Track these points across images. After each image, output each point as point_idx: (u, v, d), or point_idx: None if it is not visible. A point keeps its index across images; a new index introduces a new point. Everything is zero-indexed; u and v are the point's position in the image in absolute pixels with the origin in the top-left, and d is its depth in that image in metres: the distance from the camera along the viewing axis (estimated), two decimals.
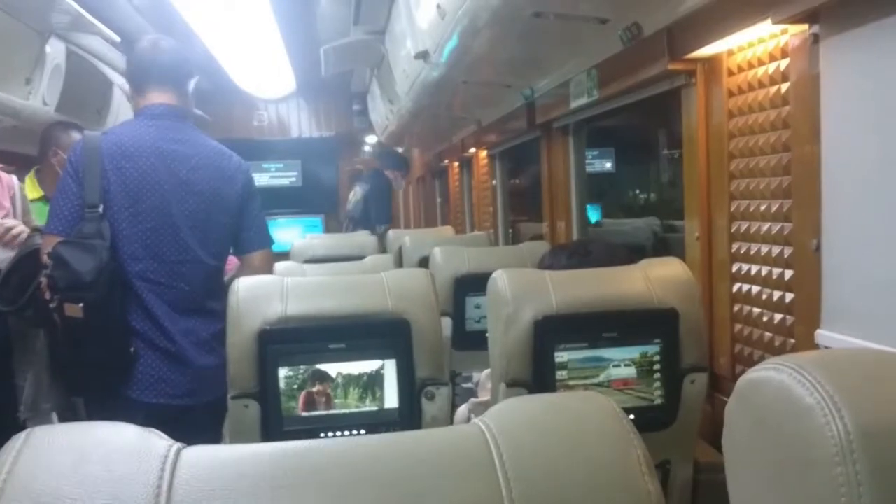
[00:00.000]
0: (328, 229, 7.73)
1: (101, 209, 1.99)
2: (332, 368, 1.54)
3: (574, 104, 2.66)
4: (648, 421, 1.59)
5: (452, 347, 2.70)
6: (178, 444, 0.61)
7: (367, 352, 1.55)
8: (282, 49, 5.28)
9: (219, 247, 2.14)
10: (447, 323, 2.69)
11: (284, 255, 7.11)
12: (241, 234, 2.18)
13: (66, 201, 2.03)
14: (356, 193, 5.69)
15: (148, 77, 2.19)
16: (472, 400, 1.84)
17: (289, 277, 1.61)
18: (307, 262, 3.93)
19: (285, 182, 7.82)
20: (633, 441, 0.62)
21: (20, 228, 2.03)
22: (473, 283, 2.67)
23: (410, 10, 2.98)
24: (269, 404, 1.52)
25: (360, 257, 4.69)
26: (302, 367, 1.53)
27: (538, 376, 1.55)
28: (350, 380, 1.54)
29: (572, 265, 1.73)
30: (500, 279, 1.62)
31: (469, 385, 2.77)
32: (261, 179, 7.76)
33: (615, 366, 1.58)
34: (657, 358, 1.58)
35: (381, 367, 1.55)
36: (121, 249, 2.00)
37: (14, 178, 2.30)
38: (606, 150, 5.62)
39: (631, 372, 1.58)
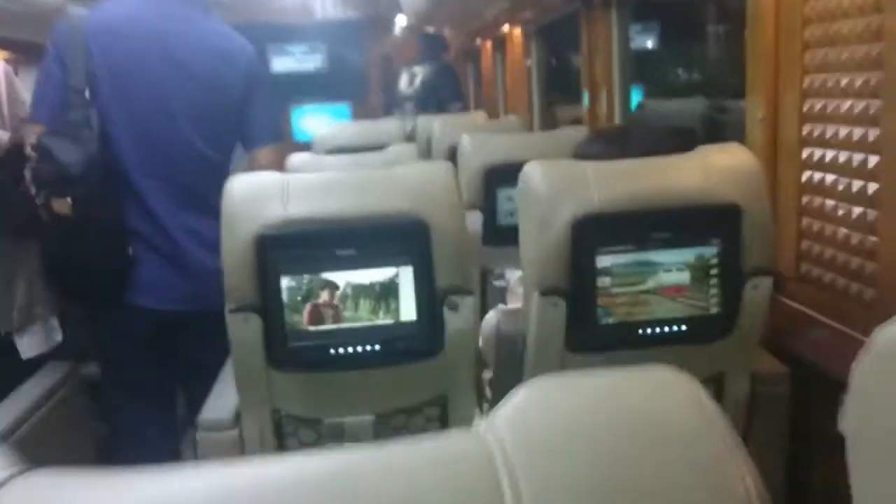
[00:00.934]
0: (356, 117, 7.44)
1: (87, 94, 1.79)
2: (340, 277, 1.35)
3: None
4: (703, 332, 1.40)
5: (483, 243, 2.50)
6: (17, 468, 0.41)
7: (379, 258, 1.36)
8: None
9: (221, 138, 1.93)
10: (477, 217, 2.48)
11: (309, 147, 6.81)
12: (245, 127, 1.96)
13: (49, 87, 1.83)
14: (415, 74, 5.29)
15: None
16: (501, 307, 1.65)
17: (292, 175, 1.41)
18: (328, 152, 3.77)
19: (310, 67, 7.49)
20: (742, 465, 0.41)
21: None
22: (506, 174, 2.43)
23: None
24: (272, 318, 1.35)
25: (386, 146, 4.48)
26: (306, 276, 1.35)
27: (576, 284, 1.36)
28: (361, 290, 1.36)
29: (610, 154, 1.50)
30: (533, 173, 1.40)
31: (501, 283, 2.58)
32: (285, 63, 7.45)
33: (666, 270, 1.37)
34: (715, 261, 1.37)
35: (396, 276, 1.36)
36: (112, 139, 1.81)
37: (1, 62, 2.07)
38: (649, 24, 5.20)
39: (684, 277, 1.37)
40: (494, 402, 1.57)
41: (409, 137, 4.78)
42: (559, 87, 4.74)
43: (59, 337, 1.99)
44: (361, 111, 7.49)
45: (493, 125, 3.67)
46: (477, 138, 2.47)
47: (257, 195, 1.36)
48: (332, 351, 1.36)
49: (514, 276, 1.66)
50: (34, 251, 1.87)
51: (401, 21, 7.48)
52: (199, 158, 1.87)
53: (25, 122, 1.85)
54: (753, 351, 1.49)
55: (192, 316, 1.89)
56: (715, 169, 1.40)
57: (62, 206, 1.72)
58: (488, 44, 5.43)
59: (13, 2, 3.39)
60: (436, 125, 3.60)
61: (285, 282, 1.34)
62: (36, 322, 1.91)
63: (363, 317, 1.35)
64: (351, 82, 7.48)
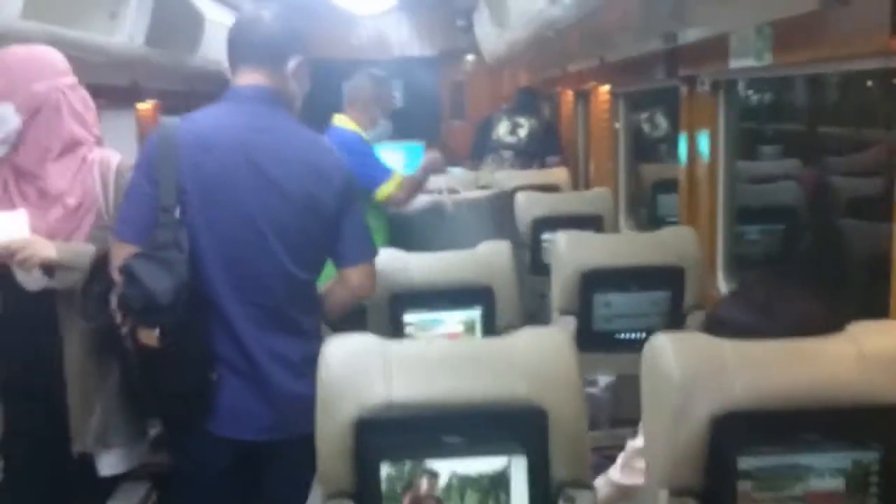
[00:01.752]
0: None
1: (177, 213, 1.70)
2: (445, 466, 1.22)
3: (735, 64, 2.17)
4: None
5: (576, 347, 2.35)
6: None
7: (489, 446, 1.22)
8: None
9: (311, 258, 1.82)
10: (570, 322, 2.33)
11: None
12: (337, 245, 1.84)
13: (138, 203, 1.74)
14: (520, 125, 5.19)
15: (240, 53, 1.85)
16: (612, 478, 1.49)
17: (395, 345, 1.28)
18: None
19: None
20: None
21: (27, 253, 1.67)
22: (605, 279, 2.29)
23: None
24: None
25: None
26: (408, 462, 1.22)
27: (713, 486, 1.20)
28: (467, 481, 1.22)
29: (750, 325, 1.33)
30: (663, 351, 1.24)
31: (594, 390, 2.44)
32: None
33: (818, 476, 1.20)
34: (876, 468, 1.19)
35: (507, 466, 1.22)
36: (199, 259, 1.71)
37: (113, 156, 1.89)
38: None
39: (839, 484, 1.20)
40: None
41: (482, 185, 4.70)
42: (641, 147, 4.57)
43: (137, 459, 1.90)
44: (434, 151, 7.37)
45: (579, 200, 3.53)
46: (574, 239, 2.32)
47: (357, 372, 1.23)
48: None
49: (631, 444, 1.49)
50: (113, 374, 1.79)
51: (470, 58, 7.37)
52: (287, 279, 1.76)
53: (112, 238, 1.75)
54: None
55: (275, 446, 1.78)
56: (873, 357, 1.22)
57: (150, 337, 1.63)
58: (569, 93, 5.27)
59: (94, 55, 3.40)
60: (520, 196, 3.48)
61: (385, 469, 1.21)
62: (112, 448, 1.83)
63: None
64: (425, 122, 7.38)
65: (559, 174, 4.40)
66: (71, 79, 1.91)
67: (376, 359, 1.25)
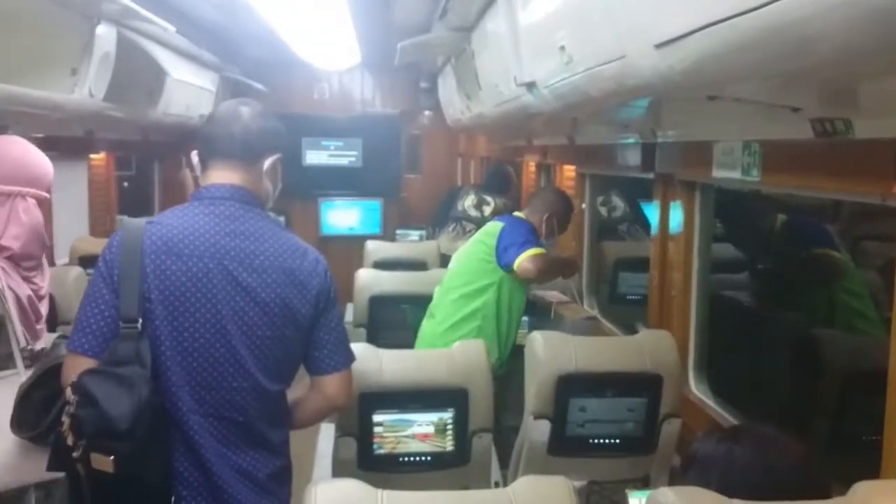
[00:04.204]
0: (386, 214, 7.27)
1: (139, 325, 1.58)
2: None
3: (718, 174, 2.16)
4: None
5: (548, 453, 2.28)
6: None
7: None
8: (348, 19, 4.78)
9: (284, 368, 1.72)
10: (544, 427, 2.27)
11: (338, 238, 6.94)
12: (313, 352, 1.74)
13: (96, 312, 1.61)
14: (486, 202, 5.17)
15: (212, 149, 1.75)
16: None
17: (386, 497, 1.19)
18: (375, 264, 4.32)
19: (344, 162, 7.34)
20: None
21: None
22: (581, 383, 2.24)
23: (516, 35, 2.49)
24: None
25: (422, 263, 4.45)
26: None
27: None
28: None
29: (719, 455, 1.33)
30: None
31: None
32: (319, 158, 7.29)
33: None
34: None
35: None
36: (162, 374, 1.59)
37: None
38: None
39: None
40: None
41: (443, 253, 4.71)
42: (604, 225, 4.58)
43: None
44: (392, 209, 7.32)
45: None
46: (550, 340, 2.26)
47: None
48: None
49: None
50: (60, 498, 1.64)
51: (428, 114, 7.38)
52: (258, 392, 1.65)
53: (66, 348, 1.63)
54: None
55: None
56: None
57: (103, 463, 1.50)
58: (531, 164, 5.28)
59: (53, 112, 3.28)
60: None
61: None
62: None
63: None
64: (384, 179, 7.33)
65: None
66: None
67: None
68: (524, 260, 3.00)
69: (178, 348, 1.61)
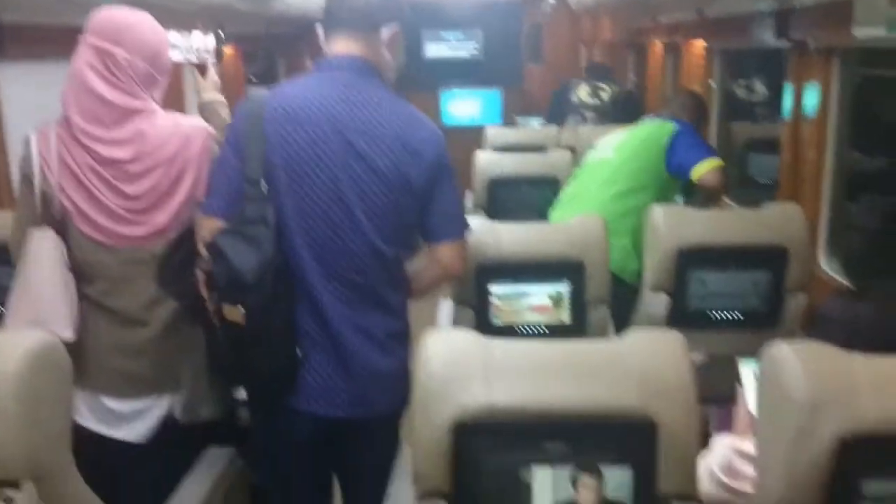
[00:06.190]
0: (506, 104, 7.17)
1: (264, 187, 1.65)
2: (545, 474, 1.16)
3: (860, 32, 2.00)
4: None
5: (668, 324, 2.26)
6: None
7: (593, 456, 1.16)
8: None
9: (400, 234, 1.76)
10: (662, 300, 2.24)
11: (463, 130, 6.79)
12: (427, 220, 1.78)
13: (225, 177, 1.70)
14: (601, 89, 5.04)
15: (334, 21, 1.77)
16: (715, 474, 1.40)
17: (497, 344, 1.22)
18: (496, 148, 4.21)
19: (464, 54, 7.24)
20: None
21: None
22: (703, 256, 2.19)
23: None
24: None
25: (542, 147, 4.34)
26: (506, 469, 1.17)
27: None
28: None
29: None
30: (786, 364, 1.14)
31: None
32: (439, 50, 7.24)
33: None
34: None
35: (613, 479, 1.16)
36: (286, 236, 1.67)
37: (205, 128, 1.81)
38: None
39: None
40: None
41: (562, 143, 4.61)
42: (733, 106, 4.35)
43: (224, 428, 1.91)
44: (514, 98, 7.22)
45: None
46: (671, 214, 2.21)
47: (457, 373, 1.18)
48: None
49: (733, 443, 1.40)
50: (199, 348, 1.77)
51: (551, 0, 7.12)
52: (375, 255, 1.71)
53: (200, 212, 1.72)
54: None
55: (357, 422, 1.75)
56: None
57: (234, 313, 1.60)
58: (658, 46, 5.04)
59: None
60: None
61: (484, 472, 1.17)
62: (199, 419, 1.83)
63: None
64: (504, 69, 7.21)
65: None
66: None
67: (477, 361, 1.19)
68: (709, 171, 2.77)
69: (299, 211, 1.67)
